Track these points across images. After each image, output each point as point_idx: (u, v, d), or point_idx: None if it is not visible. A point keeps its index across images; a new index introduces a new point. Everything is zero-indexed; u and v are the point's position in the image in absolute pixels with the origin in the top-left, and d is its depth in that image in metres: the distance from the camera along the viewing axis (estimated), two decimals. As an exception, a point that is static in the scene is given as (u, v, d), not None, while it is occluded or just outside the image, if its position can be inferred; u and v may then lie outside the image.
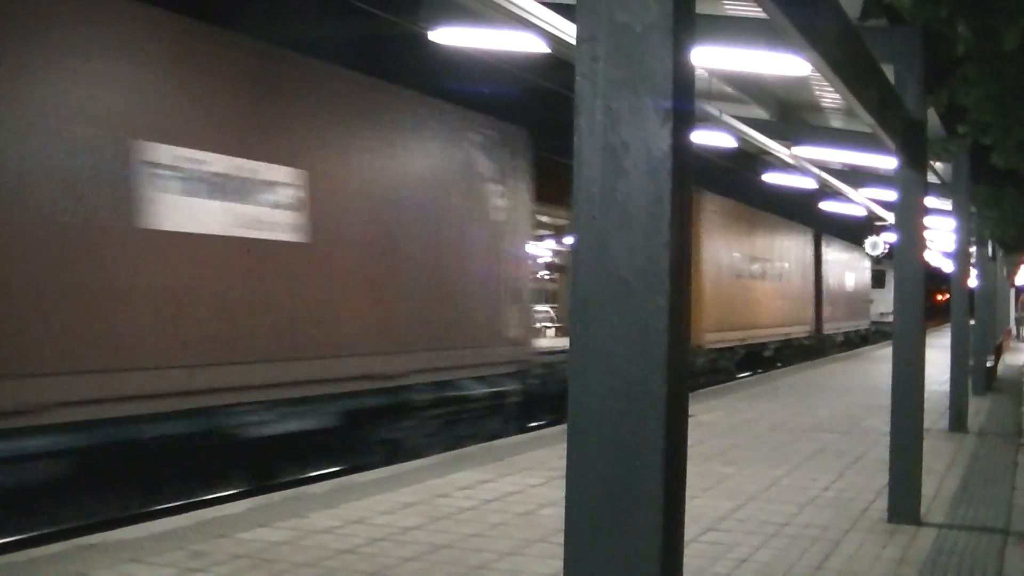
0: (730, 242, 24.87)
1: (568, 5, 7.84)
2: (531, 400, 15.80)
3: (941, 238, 25.28)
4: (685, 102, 2.55)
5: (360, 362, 11.75)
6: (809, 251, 33.99)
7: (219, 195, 9.99)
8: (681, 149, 2.52)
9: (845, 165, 17.96)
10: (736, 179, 21.23)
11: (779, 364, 28.49)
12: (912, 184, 8.19)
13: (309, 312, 11.09)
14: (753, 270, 26.99)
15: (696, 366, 21.57)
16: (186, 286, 9.65)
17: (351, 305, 11.78)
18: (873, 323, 45.31)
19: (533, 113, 17.12)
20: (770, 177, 18.14)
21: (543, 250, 25.99)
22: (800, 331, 32.18)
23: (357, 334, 11.80)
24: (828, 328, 36.29)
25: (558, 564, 2.69)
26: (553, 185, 18.66)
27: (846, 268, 40.58)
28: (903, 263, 8.31)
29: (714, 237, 23.52)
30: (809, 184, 18.72)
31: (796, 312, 31.63)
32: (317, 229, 11.21)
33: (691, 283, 2.65)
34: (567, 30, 8.01)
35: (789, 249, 31.16)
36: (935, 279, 43.90)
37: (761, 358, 27.70)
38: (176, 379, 9.44)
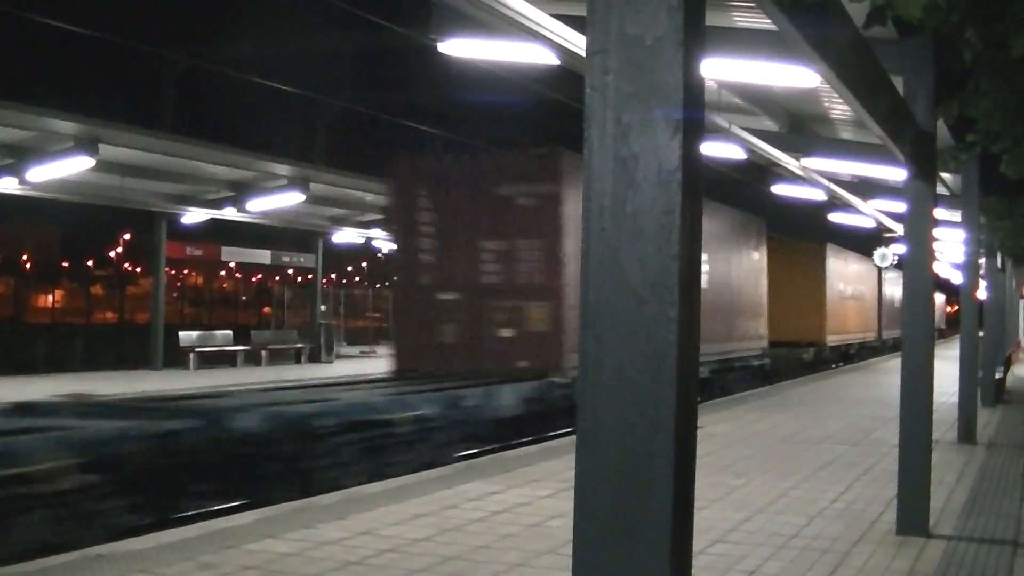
0: (837, 275, 35.93)
1: (579, 17, 7.85)
2: (777, 366, 29.03)
3: (950, 250, 25.27)
4: (695, 114, 2.56)
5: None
6: (874, 275, 43.59)
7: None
8: (691, 161, 2.52)
9: (854, 176, 17.93)
10: (837, 228, 28.57)
11: (855, 359, 38.69)
12: (921, 195, 8.18)
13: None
14: (847, 293, 37.81)
15: (823, 356, 34.04)
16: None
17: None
18: None
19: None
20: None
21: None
22: (870, 336, 43.12)
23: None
24: (885, 334, 45.93)
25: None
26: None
27: (896, 287, 48.58)
28: (912, 275, 8.30)
29: (830, 273, 34.61)
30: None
31: (868, 322, 42.54)
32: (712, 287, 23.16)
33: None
34: (577, 42, 8.01)
35: (863, 276, 41.45)
36: (952, 291, 46.85)
37: (848, 355, 38.49)
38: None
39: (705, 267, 22.17)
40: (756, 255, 27.55)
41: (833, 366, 34.52)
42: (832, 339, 34.67)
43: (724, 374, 24.01)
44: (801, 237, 33.15)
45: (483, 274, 16.91)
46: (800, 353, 32.00)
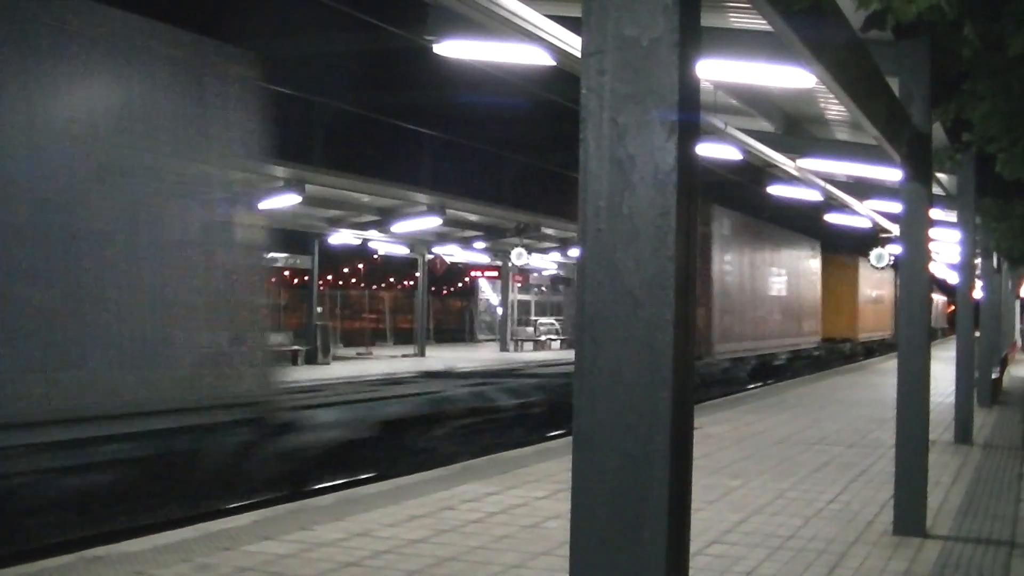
0: (866, 282, 43.16)
1: (575, 18, 7.85)
2: (827, 356, 36.92)
3: (947, 250, 25.31)
4: (691, 115, 2.56)
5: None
6: (891, 279, 48.61)
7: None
8: (687, 162, 2.53)
9: (850, 177, 17.93)
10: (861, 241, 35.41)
11: (876, 353, 44.69)
12: (917, 196, 8.19)
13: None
14: (871, 296, 45.03)
15: (856, 350, 41.93)
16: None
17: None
18: None
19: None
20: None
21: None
22: (888, 334, 48.63)
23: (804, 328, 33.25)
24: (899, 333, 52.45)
25: (565, 577, 2.69)
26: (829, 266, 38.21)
27: None
28: (908, 275, 8.31)
29: (861, 281, 42.30)
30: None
31: (887, 321, 48.58)
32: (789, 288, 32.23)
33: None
34: (573, 43, 8.02)
35: (884, 281, 47.39)
36: (953, 292, 50.99)
37: (870, 349, 44.98)
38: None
39: (784, 280, 31.20)
40: (814, 269, 35.65)
41: (860, 358, 41.93)
42: (862, 336, 43.51)
43: (794, 361, 32.57)
44: (835, 248, 39.73)
45: None
46: (841, 347, 40.62)
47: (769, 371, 29.14)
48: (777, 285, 30.39)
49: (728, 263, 25.50)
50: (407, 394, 15.76)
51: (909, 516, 7.91)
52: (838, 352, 39.64)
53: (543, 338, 42.83)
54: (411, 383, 18.50)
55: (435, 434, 14.71)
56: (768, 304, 29.08)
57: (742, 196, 25.70)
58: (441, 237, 33.01)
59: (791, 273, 31.93)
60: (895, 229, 21.01)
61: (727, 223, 25.36)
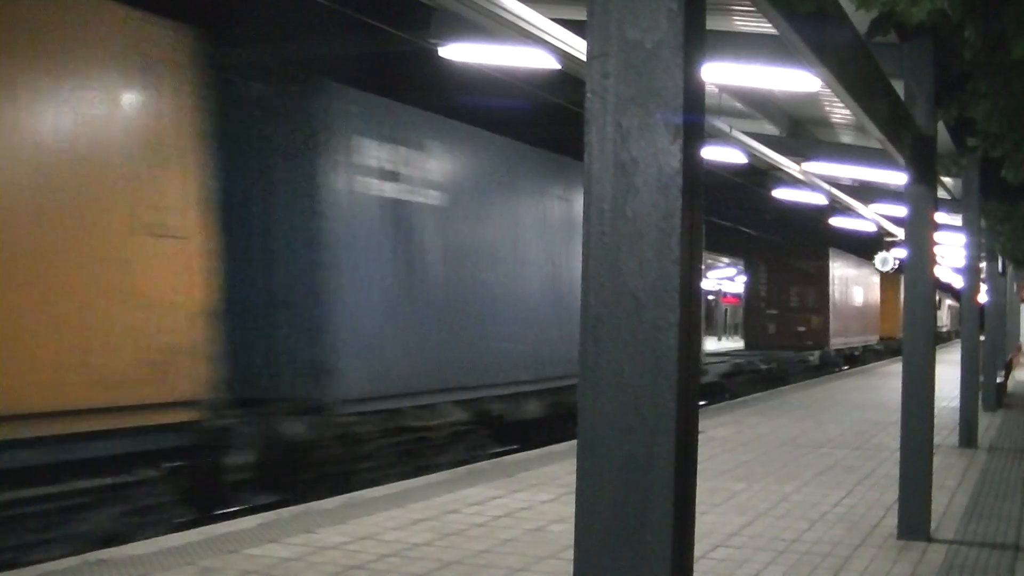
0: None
1: (579, 22, 7.85)
2: (883, 350, 45.62)
3: (952, 253, 25.29)
4: (695, 118, 2.55)
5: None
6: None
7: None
8: (691, 165, 2.52)
9: (855, 181, 17.94)
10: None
11: None
12: (922, 199, 8.18)
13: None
14: None
15: (899, 345, 44.81)
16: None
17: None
18: None
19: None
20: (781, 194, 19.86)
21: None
22: None
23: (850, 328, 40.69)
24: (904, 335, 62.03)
25: (568, 580, 2.69)
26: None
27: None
28: (913, 279, 8.30)
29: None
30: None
31: None
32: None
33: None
34: (578, 47, 8.02)
35: None
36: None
37: None
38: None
39: (862, 293, 42.04)
40: (876, 283, 45.36)
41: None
42: (901, 335, 49.95)
43: (865, 353, 42.15)
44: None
45: (790, 301, 34.83)
46: (889, 343, 48.82)
47: (854, 359, 40.43)
48: (858, 298, 41.57)
49: (836, 285, 36.13)
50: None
51: (914, 520, 7.90)
52: (892, 347, 48.78)
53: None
54: None
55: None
56: (854, 311, 40.17)
57: (742, 198, 25.62)
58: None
59: (864, 288, 42.86)
60: (900, 233, 21.02)
61: (837, 258, 36.36)
